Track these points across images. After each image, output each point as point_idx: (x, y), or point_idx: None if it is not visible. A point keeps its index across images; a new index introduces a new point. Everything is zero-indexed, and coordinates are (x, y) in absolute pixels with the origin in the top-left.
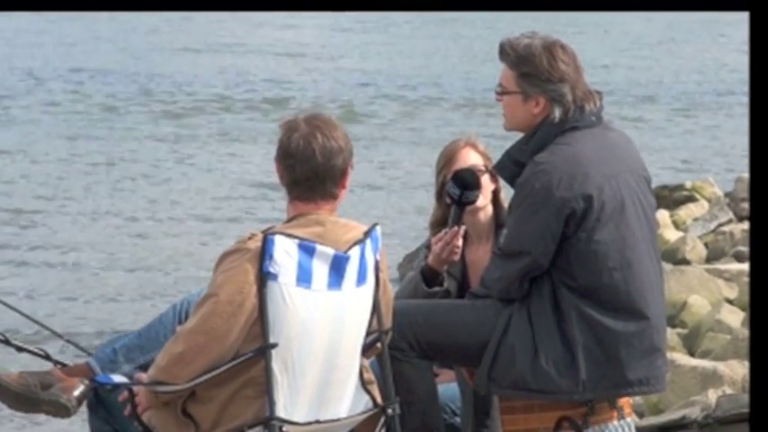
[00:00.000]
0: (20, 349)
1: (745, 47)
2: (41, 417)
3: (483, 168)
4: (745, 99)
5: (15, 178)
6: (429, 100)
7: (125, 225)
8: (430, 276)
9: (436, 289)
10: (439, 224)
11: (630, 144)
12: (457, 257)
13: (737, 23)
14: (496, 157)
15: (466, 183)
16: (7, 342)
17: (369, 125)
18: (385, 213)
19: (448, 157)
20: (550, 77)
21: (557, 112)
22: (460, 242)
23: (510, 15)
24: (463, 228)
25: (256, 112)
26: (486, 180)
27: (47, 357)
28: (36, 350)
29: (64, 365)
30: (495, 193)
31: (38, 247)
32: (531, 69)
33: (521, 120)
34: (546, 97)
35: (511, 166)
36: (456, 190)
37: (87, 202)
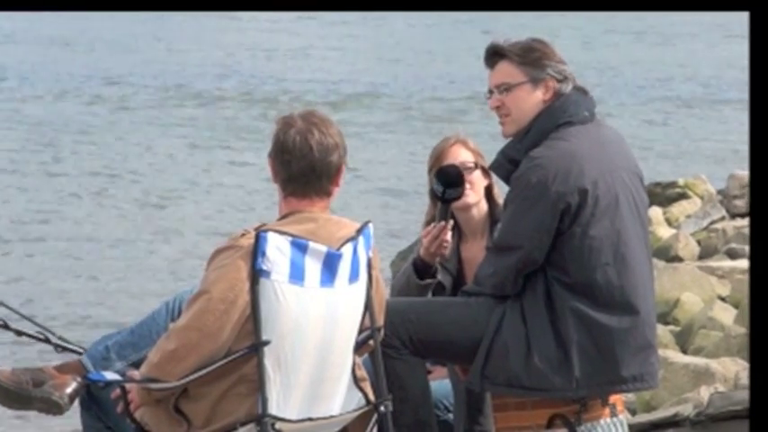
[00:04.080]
0: (19, 333)
1: (738, 45)
2: (33, 414)
3: (472, 165)
4: (738, 96)
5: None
6: (423, 98)
7: (118, 223)
8: (422, 268)
9: (428, 281)
10: (433, 222)
11: (623, 141)
12: (446, 252)
13: (727, 22)
14: (489, 154)
15: (449, 180)
16: (6, 326)
17: (361, 123)
18: (377, 211)
19: (437, 154)
20: (556, 59)
21: (569, 86)
22: (449, 236)
23: (500, 15)
24: (451, 223)
25: (249, 109)
26: (478, 176)
27: (46, 341)
28: (35, 333)
29: (65, 348)
30: (489, 189)
31: (28, 245)
32: (538, 54)
33: (530, 111)
34: (557, 77)
35: (506, 165)
36: (439, 187)
37: (80, 199)
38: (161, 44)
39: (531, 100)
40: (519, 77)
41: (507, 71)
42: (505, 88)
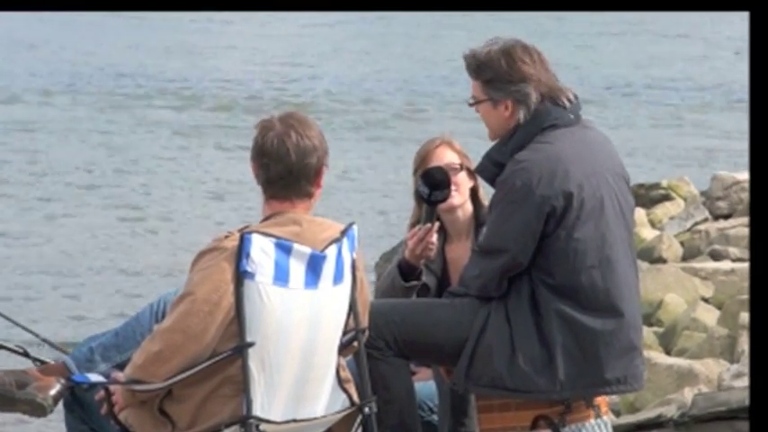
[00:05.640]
0: None
1: (716, 45)
2: (17, 416)
3: (458, 166)
4: (720, 97)
5: None
6: (407, 100)
7: (103, 226)
8: (407, 270)
9: (413, 283)
10: (418, 224)
11: (609, 143)
12: (431, 254)
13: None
14: (474, 156)
15: (435, 181)
16: None
17: (345, 125)
18: (362, 213)
19: (423, 156)
20: (511, 79)
21: (521, 114)
22: (434, 238)
23: (499, 15)
24: (437, 225)
25: (230, 112)
26: (463, 177)
27: (25, 354)
28: (14, 347)
29: (43, 362)
30: (474, 191)
31: (14, 247)
32: (492, 75)
33: (497, 126)
34: (512, 99)
35: (491, 168)
36: (425, 189)
37: (66, 203)
38: (110, 43)
39: (495, 117)
40: (480, 95)
41: (474, 86)
42: (472, 103)
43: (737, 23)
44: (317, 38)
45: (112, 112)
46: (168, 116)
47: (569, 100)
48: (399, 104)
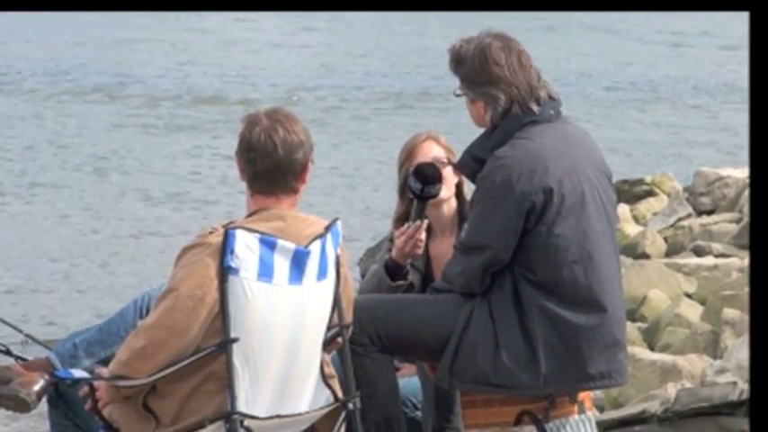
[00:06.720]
0: None
1: (702, 44)
2: (1, 411)
3: (445, 161)
4: (702, 94)
5: None
6: (389, 97)
7: (86, 221)
8: (394, 270)
9: (400, 282)
10: (402, 220)
11: (590, 139)
12: (420, 251)
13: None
14: (459, 151)
15: (427, 177)
16: None
17: (327, 122)
18: (346, 209)
19: (409, 150)
20: (480, 80)
21: (488, 115)
22: (423, 236)
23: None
24: (426, 222)
25: (213, 108)
26: (449, 173)
27: (8, 353)
28: None
29: (25, 360)
30: (459, 187)
31: None
32: (465, 73)
33: (477, 121)
34: (482, 100)
35: (472, 163)
36: (417, 184)
37: (50, 197)
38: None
39: (474, 111)
40: (461, 90)
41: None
42: (458, 94)
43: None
44: (254, 33)
45: (47, 107)
46: (102, 110)
47: (541, 101)
48: (380, 99)
